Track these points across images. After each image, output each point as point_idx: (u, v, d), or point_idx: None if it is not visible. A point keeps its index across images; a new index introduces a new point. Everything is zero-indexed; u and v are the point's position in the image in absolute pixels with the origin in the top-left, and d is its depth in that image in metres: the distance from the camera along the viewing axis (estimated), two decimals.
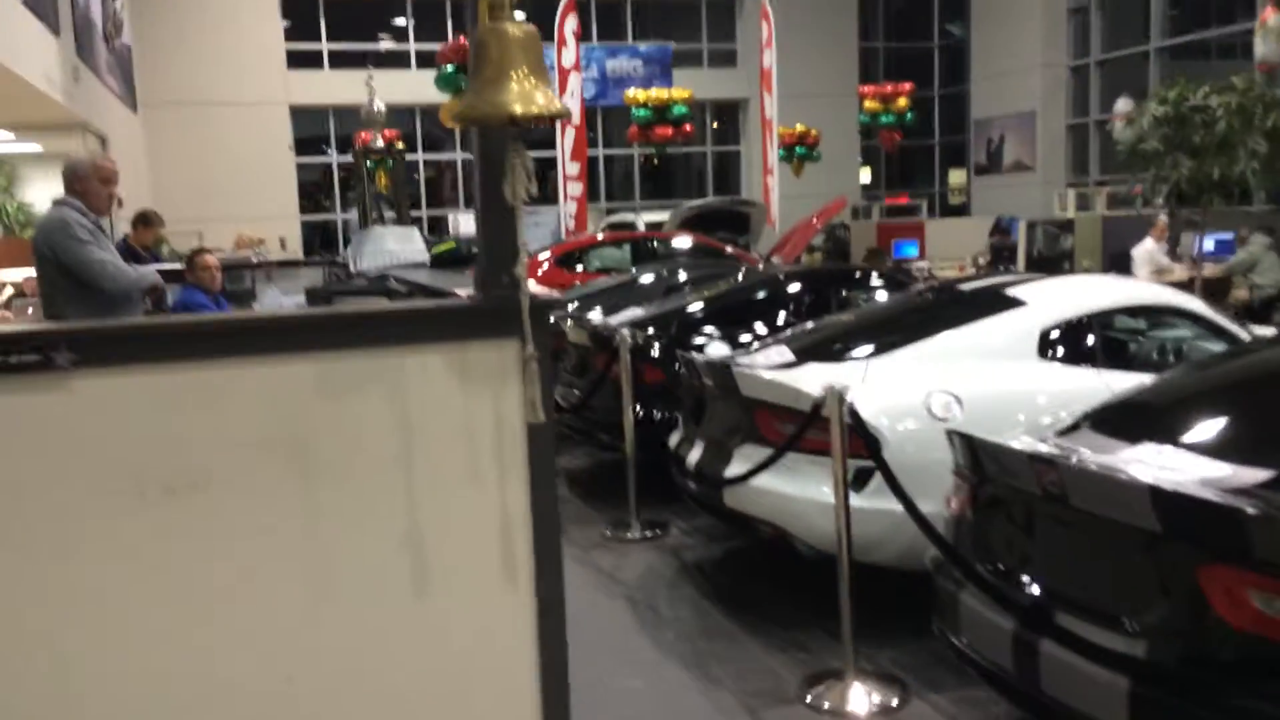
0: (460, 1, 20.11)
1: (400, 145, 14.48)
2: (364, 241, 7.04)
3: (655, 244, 12.06)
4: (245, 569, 2.32)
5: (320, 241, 20.57)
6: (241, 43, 18.88)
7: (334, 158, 20.56)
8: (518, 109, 2.18)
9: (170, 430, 2.27)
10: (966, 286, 5.12)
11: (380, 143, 12.50)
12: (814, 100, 20.37)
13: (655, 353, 6.09)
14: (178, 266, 7.54)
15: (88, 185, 5.17)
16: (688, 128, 17.31)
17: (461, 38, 12.60)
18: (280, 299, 6.89)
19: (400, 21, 20.88)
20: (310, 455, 2.35)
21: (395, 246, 6.80)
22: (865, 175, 23.67)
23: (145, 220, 8.53)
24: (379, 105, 12.15)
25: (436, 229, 17.51)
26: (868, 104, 19.12)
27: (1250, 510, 2.17)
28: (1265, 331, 5.12)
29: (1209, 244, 11.41)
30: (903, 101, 18.65)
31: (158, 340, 2.33)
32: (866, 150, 22.69)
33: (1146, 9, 17.81)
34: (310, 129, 20.44)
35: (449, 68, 12.73)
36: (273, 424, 2.33)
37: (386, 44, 20.21)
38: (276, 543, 2.33)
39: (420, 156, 15.94)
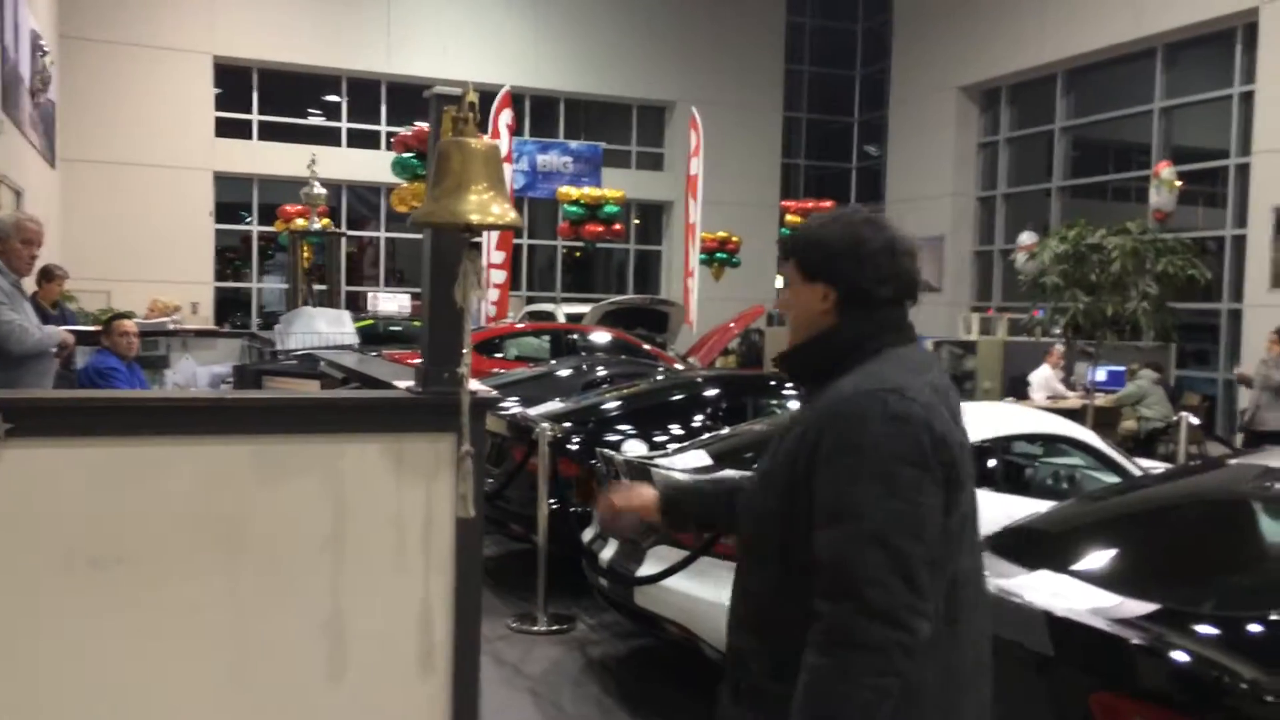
0: (394, 85, 20.44)
1: (339, 228, 14.48)
2: (293, 321, 6.98)
3: (575, 336, 12.18)
4: (166, 646, 2.30)
5: (234, 309, 20.23)
6: (171, 107, 18.73)
7: (255, 226, 20.37)
8: (474, 218, 2.29)
9: (101, 504, 2.27)
10: None
11: (317, 224, 12.52)
12: (736, 209, 20.97)
13: (573, 447, 6.15)
14: (90, 328, 7.37)
15: (8, 245, 5.11)
16: (617, 226, 17.63)
17: (420, 126, 12.74)
18: (195, 369, 6.76)
19: (334, 98, 21.00)
20: (241, 536, 2.37)
21: (326, 329, 6.77)
22: (779, 281, 24.35)
23: (48, 275, 8.34)
24: (319, 189, 12.24)
25: (354, 305, 17.41)
26: (789, 218, 19.75)
27: (1135, 641, 2.32)
28: (1152, 465, 5.42)
29: (1101, 374, 12.00)
30: None
31: (95, 414, 2.34)
32: None
33: (1050, 150, 18.89)
34: (232, 195, 20.26)
35: (408, 154, 12.85)
36: (206, 503, 2.34)
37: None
38: (200, 621, 2.33)
39: (344, 232, 15.95)
